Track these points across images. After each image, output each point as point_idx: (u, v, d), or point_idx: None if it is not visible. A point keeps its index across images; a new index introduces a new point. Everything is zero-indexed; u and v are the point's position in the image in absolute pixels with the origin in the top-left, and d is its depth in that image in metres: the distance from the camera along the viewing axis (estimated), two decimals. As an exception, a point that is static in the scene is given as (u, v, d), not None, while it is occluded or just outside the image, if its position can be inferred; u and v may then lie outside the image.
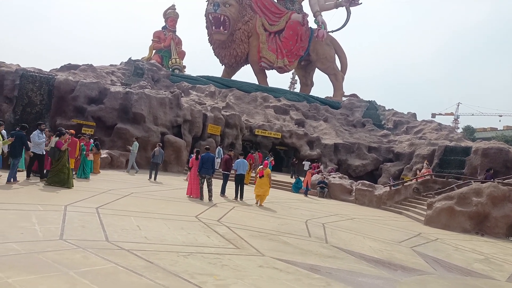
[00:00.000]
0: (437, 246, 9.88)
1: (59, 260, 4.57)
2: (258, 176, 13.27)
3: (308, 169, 22.97)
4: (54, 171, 10.65)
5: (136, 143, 17.97)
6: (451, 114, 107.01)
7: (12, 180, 9.85)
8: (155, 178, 15.67)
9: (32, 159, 11.04)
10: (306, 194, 19.36)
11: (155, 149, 16.62)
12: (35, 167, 11.47)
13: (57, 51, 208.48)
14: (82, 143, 13.94)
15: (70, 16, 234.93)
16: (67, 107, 21.53)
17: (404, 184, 18.56)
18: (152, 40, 48.50)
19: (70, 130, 13.34)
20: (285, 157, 33.26)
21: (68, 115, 21.29)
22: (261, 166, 13.60)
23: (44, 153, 11.34)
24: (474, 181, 15.80)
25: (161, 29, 49.19)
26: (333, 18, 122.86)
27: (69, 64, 30.81)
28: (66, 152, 10.95)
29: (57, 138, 10.93)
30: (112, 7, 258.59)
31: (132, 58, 37.29)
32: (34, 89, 21.23)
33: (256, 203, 12.89)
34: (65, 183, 10.51)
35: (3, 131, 10.90)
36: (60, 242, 5.40)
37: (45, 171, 11.41)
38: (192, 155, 13.00)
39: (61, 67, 30.64)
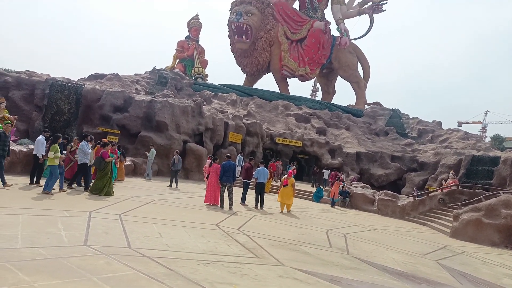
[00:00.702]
0: (463, 259, 9.56)
1: (83, 266, 4.68)
2: (282, 185, 13.72)
3: (328, 178, 22.68)
4: (96, 180, 11.14)
5: (153, 150, 18.17)
6: (479, 122, 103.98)
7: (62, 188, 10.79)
8: (176, 186, 15.85)
9: (35, 164, 11.01)
10: (332, 205, 18.84)
11: (174, 156, 16.84)
12: (68, 175, 11.77)
13: (85, 61, 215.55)
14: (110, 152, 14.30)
15: (97, 27, 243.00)
16: (93, 115, 22.17)
17: (429, 194, 18.09)
18: (175, 49, 49.41)
19: (103, 139, 13.60)
20: (306, 165, 33.03)
21: (94, 123, 21.90)
22: (286, 176, 14.04)
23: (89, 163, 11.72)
24: (503, 192, 15.24)
25: (184, 38, 50.06)
26: (356, 25, 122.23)
27: (96, 73, 31.81)
28: (110, 162, 11.45)
29: (102, 148, 11.54)
30: (138, 18, 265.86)
31: (156, 67, 38.11)
32: (63, 98, 21.99)
33: (282, 212, 13.32)
34: (102, 191, 10.86)
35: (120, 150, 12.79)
36: (84, 248, 5.54)
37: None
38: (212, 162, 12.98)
39: (89, 76, 31.67)
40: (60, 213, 7.64)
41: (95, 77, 31.20)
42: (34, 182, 10.96)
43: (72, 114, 22.03)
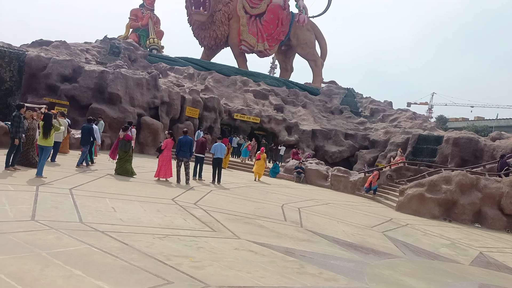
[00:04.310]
0: (407, 231, 10.24)
1: (31, 241, 4.48)
2: (256, 159, 17.60)
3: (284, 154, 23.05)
4: (121, 162, 11.40)
5: (101, 122, 17.26)
6: (426, 103, 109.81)
7: (83, 164, 11.72)
8: None
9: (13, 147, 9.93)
10: (374, 193, 17.12)
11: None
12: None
13: (27, 25, 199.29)
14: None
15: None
16: (38, 84, 20.75)
17: (379, 171, 19.00)
18: (129, 18, 47.03)
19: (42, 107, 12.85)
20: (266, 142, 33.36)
21: (40, 93, 20.52)
22: (259, 152, 18.09)
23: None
24: (445, 169, 16.37)
25: (138, 7, 47.72)
26: (314, 3, 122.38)
27: (41, 40, 29.59)
28: (131, 144, 11.89)
29: (125, 131, 11.71)
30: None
31: (107, 36, 36.10)
32: (4, 65, 20.29)
33: (255, 180, 16.73)
34: (131, 173, 11.44)
35: (66, 120, 13.19)
36: (32, 222, 5.28)
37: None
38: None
39: (32, 42, 29.41)
40: (4, 187, 7.20)
41: (40, 43, 29.02)
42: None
43: (14, 83, 20.46)
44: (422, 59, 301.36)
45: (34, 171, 9.17)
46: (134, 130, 13.41)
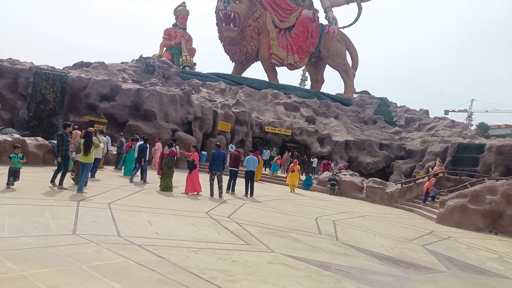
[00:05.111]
0: (449, 244, 9.76)
1: (72, 254, 4.64)
2: (290, 171, 18.29)
3: (316, 166, 22.75)
4: (164, 177, 11.74)
5: (103, 139, 17.35)
6: (465, 111, 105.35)
7: (133, 179, 12.74)
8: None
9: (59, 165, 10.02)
10: (433, 199, 16.65)
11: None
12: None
13: (69, 49, 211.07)
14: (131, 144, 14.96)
15: (83, 14, 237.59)
16: (79, 104, 21.83)
17: (416, 181, 18.36)
18: (162, 37, 48.66)
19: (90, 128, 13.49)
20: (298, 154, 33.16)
21: (81, 112, 21.58)
22: (292, 164, 18.80)
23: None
24: (488, 179, 15.55)
25: (171, 26, 49.34)
26: (344, 14, 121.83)
27: (81, 62, 31.18)
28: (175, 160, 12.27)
29: (170, 147, 12.10)
30: (124, 5, 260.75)
31: (143, 56, 37.53)
32: (48, 87, 21.55)
33: (291, 191, 17.45)
34: (171, 188, 11.70)
35: (106, 137, 14.12)
36: (73, 236, 5.48)
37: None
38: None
39: (74, 64, 31.04)
40: (47, 202, 7.54)
41: (81, 65, 30.59)
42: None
43: (57, 103, 21.64)
44: (460, 65, 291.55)
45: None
46: (177, 147, 13.94)
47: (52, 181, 9.59)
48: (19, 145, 9.70)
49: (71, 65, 31.20)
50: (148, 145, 13.69)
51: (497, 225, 12.80)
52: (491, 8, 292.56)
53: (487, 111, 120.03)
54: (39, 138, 14.29)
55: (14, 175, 8.68)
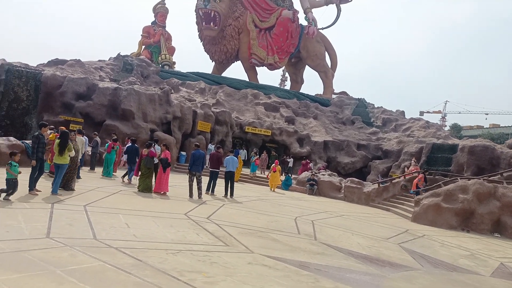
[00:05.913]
0: (424, 242, 10.03)
1: (46, 259, 4.52)
2: (272, 171, 19.16)
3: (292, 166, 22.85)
4: (143, 178, 11.60)
5: (81, 138, 17.03)
6: (439, 112, 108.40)
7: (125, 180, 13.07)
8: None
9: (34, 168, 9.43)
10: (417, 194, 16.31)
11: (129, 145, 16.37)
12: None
13: (44, 45, 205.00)
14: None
15: (56, 10, 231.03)
16: (54, 103, 21.25)
17: (392, 181, 18.77)
18: (141, 35, 47.92)
19: (61, 127, 13.06)
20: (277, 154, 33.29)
21: (56, 111, 21.00)
22: (273, 164, 19.70)
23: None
24: (461, 178, 16.05)
25: (150, 24, 48.65)
26: (323, 15, 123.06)
27: (56, 59, 30.28)
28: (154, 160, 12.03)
29: (149, 148, 12.02)
30: (100, 1, 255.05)
31: (121, 54, 36.85)
32: (21, 85, 20.90)
33: (271, 190, 18.41)
34: (150, 189, 11.57)
35: (84, 138, 13.52)
36: (46, 240, 5.34)
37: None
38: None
39: (48, 62, 30.13)
40: (20, 205, 7.32)
41: (55, 62, 29.72)
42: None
43: (31, 102, 21.02)
44: (434, 67, 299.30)
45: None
46: (158, 147, 13.63)
47: (31, 189, 8.69)
48: (17, 151, 8.68)
49: (45, 62, 30.32)
50: (137, 146, 13.91)
51: (469, 223, 13.24)
52: (462, 9, 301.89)
53: (460, 112, 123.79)
54: (12, 138, 13.81)
55: (13, 187, 7.69)
